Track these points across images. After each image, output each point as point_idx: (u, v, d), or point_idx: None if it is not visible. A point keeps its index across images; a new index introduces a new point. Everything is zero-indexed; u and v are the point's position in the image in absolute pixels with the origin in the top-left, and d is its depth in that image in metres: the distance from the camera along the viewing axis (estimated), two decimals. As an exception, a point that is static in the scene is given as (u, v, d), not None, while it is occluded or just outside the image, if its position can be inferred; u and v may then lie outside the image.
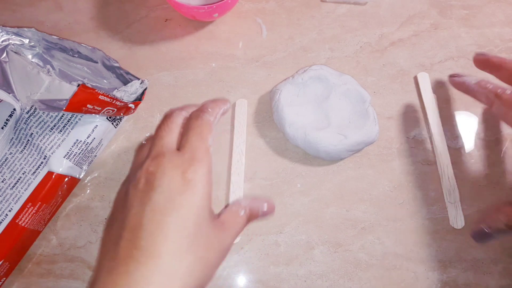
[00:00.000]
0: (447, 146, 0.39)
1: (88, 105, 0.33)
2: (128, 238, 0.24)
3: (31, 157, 0.35)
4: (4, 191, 0.34)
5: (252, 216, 0.29)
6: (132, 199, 0.25)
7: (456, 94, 0.41)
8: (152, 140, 0.29)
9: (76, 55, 0.40)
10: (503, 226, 0.31)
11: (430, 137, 0.40)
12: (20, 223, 0.34)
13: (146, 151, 0.29)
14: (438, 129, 0.39)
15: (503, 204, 0.32)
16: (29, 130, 0.35)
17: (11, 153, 0.35)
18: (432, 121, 0.40)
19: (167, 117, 0.30)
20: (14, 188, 0.34)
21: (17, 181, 0.34)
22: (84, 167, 0.38)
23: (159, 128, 0.29)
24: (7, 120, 0.35)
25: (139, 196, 0.25)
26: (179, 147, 0.28)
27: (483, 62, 0.37)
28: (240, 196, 0.37)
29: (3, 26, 0.38)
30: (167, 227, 0.24)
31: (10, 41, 0.38)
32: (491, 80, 0.34)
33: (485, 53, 0.37)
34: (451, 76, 0.38)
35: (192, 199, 0.25)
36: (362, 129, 0.37)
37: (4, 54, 0.37)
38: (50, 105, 0.33)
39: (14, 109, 0.34)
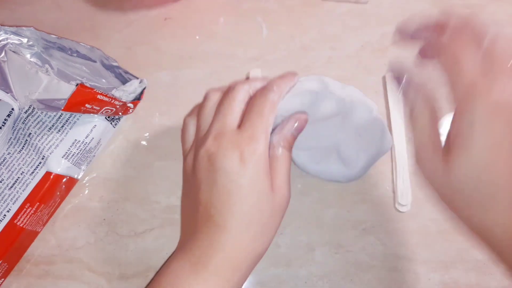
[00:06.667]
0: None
1: (86, 105, 0.33)
2: (203, 211, 0.28)
3: (29, 157, 0.35)
4: (2, 192, 0.34)
5: (290, 143, 0.31)
6: (200, 178, 0.29)
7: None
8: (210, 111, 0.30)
9: (75, 54, 0.39)
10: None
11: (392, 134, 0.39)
12: (18, 223, 0.33)
13: (192, 127, 0.32)
14: (400, 131, 0.38)
15: None
16: (27, 130, 0.35)
17: (9, 153, 0.35)
18: (394, 122, 0.39)
19: (230, 91, 0.30)
20: (12, 189, 0.34)
21: (15, 182, 0.34)
22: (83, 167, 0.38)
23: (222, 103, 0.30)
24: (5, 120, 0.34)
25: (205, 175, 0.28)
26: (240, 124, 0.29)
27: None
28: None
29: (1, 25, 0.38)
30: (232, 206, 0.27)
31: (9, 40, 0.38)
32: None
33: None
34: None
35: (250, 180, 0.27)
36: (374, 145, 0.34)
37: (3, 54, 0.36)
38: (48, 104, 0.33)
39: (12, 109, 0.34)
